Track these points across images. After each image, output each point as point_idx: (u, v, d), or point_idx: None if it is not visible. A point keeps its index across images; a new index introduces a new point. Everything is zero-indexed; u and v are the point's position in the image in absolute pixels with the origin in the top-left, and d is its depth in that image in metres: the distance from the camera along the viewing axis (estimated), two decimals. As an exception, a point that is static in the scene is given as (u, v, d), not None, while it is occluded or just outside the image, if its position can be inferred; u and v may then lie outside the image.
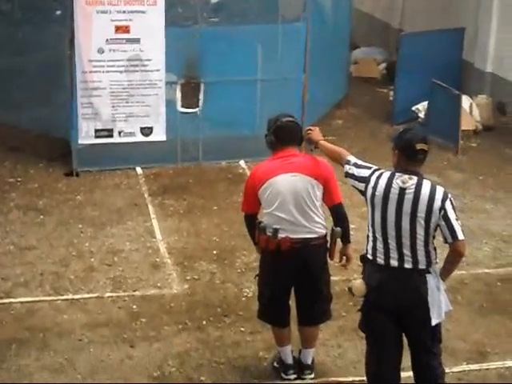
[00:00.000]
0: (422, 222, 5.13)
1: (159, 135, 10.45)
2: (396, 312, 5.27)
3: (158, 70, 10.25)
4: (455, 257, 5.20)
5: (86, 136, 10.22)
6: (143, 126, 10.36)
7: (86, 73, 10.01)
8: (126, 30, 9.99)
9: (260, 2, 11.07)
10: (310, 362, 6.27)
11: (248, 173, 10.51)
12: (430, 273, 5.20)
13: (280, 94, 10.62)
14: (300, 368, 6.28)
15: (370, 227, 5.32)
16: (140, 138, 10.36)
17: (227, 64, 10.45)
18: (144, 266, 8.01)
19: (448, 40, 12.98)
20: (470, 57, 13.28)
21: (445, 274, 5.29)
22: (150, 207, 9.37)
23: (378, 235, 5.25)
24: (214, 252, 8.30)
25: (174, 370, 6.35)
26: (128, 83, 10.19)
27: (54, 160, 10.57)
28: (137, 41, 10.06)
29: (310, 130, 6.04)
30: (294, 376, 6.25)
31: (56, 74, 10.42)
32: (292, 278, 6.02)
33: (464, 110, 11.78)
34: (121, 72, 10.15)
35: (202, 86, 10.47)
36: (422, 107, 12.26)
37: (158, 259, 8.16)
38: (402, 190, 5.16)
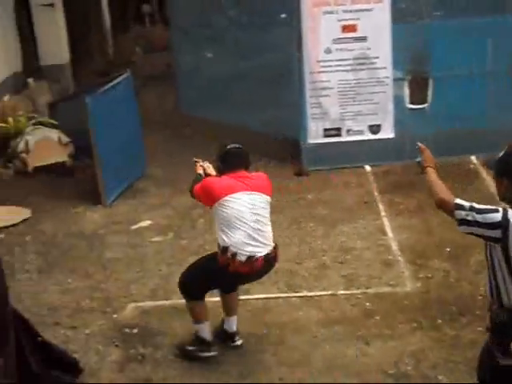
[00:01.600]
0: None
1: (387, 132, 10.43)
2: None
3: (384, 68, 10.25)
4: None
5: (315, 135, 10.41)
6: (371, 123, 10.39)
7: (315, 73, 10.18)
8: (353, 28, 10.07)
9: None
10: (235, 328, 6.67)
11: (480, 168, 10.28)
12: None
13: (509, 86, 10.28)
14: (228, 336, 6.66)
15: None
16: (368, 135, 10.41)
17: (454, 58, 10.26)
18: (376, 263, 8.02)
19: None
20: None
21: None
22: (380, 205, 9.36)
23: None
24: (447, 250, 8.17)
25: (410, 368, 6.29)
26: (355, 82, 10.27)
27: (285, 160, 10.83)
28: (364, 39, 10.11)
29: (421, 149, 5.16)
30: (216, 352, 6.52)
31: (283, 75, 10.66)
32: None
33: None
34: (348, 71, 10.23)
35: (431, 82, 10.34)
36: None
37: (389, 257, 8.14)
38: None
